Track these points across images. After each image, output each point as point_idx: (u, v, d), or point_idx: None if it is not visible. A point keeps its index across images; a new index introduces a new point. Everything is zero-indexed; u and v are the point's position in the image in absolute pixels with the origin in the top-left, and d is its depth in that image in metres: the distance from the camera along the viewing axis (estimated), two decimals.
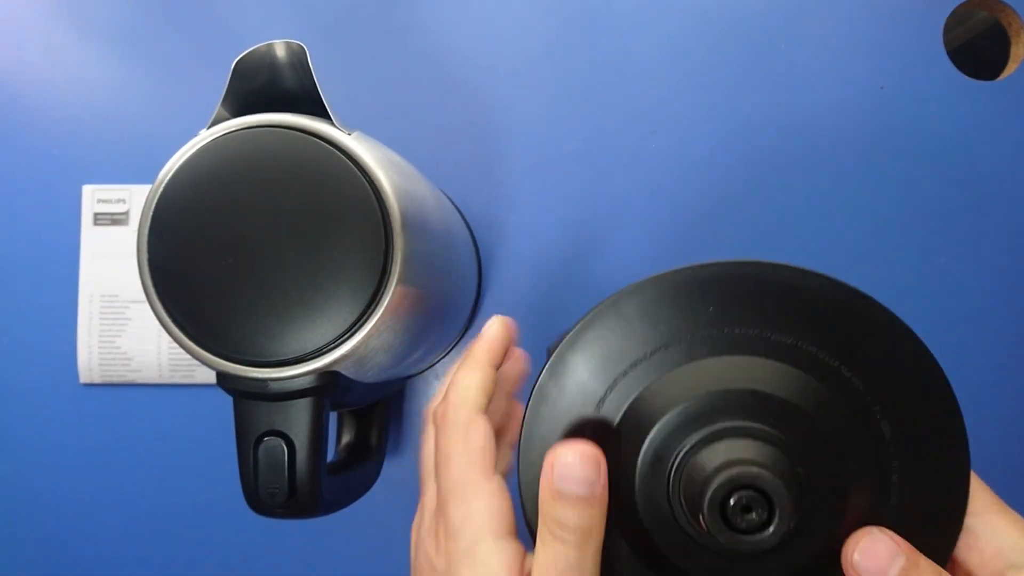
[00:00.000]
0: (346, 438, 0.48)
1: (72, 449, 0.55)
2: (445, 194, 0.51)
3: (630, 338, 0.26)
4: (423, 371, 0.55)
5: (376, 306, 0.34)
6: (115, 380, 0.54)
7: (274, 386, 0.34)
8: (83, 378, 0.54)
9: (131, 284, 0.54)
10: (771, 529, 0.22)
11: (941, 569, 0.24)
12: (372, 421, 0.49)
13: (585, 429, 0.26)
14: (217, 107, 0.36)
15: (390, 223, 0.34)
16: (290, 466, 0.35)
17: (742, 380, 0.25)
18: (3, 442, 0.55)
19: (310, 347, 0.33)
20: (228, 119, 0.35)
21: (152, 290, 0.34)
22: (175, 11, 0.57)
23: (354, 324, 0.33)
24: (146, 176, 0.41)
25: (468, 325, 0.55)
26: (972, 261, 0.54)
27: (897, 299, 0.57)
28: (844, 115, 0.55)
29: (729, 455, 0.23)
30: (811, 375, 0.25)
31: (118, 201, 0.55)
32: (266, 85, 0.36)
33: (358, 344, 0.34)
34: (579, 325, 0.27)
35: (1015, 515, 0.26)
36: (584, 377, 0.26)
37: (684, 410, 0.25)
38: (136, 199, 0.55)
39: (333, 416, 0.47)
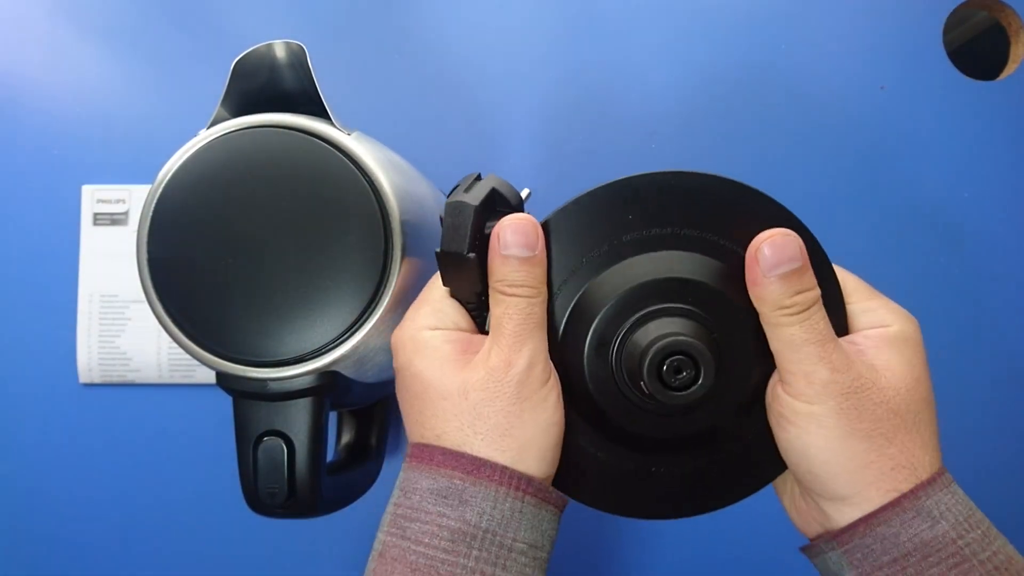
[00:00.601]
0: (346, 438, 0.48)
1: (72, 449, 0.54)
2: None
3: (566, 251, 0.31)
4: None
5: (376, 306, 0.34)
6: (115, 380, 0.54)
7: (274, 386, 0.34)
8: (83, 378, 0.54)
9: (131, 284, 0.54)
10: (699, 383, 0.28)
11: (816, 284, 0.29)
12: (372, 421, 0.49)
13: None
14: (217, 107, 0.36)
15: (390, 223, 0.34)
16: (290, 466, 0.35)
17: (662, 271, 0.30)
18: (3, 442, 0.55)
19: (310, 347, 0.33)
20: (228, 119, 0.35)
21: (152, 290, 0.34)
22: (175, 11, 0.57)
23: (354, 324, 0.33)
24: (146, 176, 0.41)
25: None
26: (972, 260, 0.54)
27: (897, 298, 0.57)
28: (844, 115, 0.55)
29: (659, 331, 0.29)
30: (714, 258, 0.30)
31: (118, 201, 0.55)
32: (266, 85, 0.36)
33: (358, 344, 0.34)
34: None
35: (892, 303, 0.31)
36: None
37: (617, 301, 0.30)
38: (136, 199, 0.55)
39: (333, 416, 0.47)
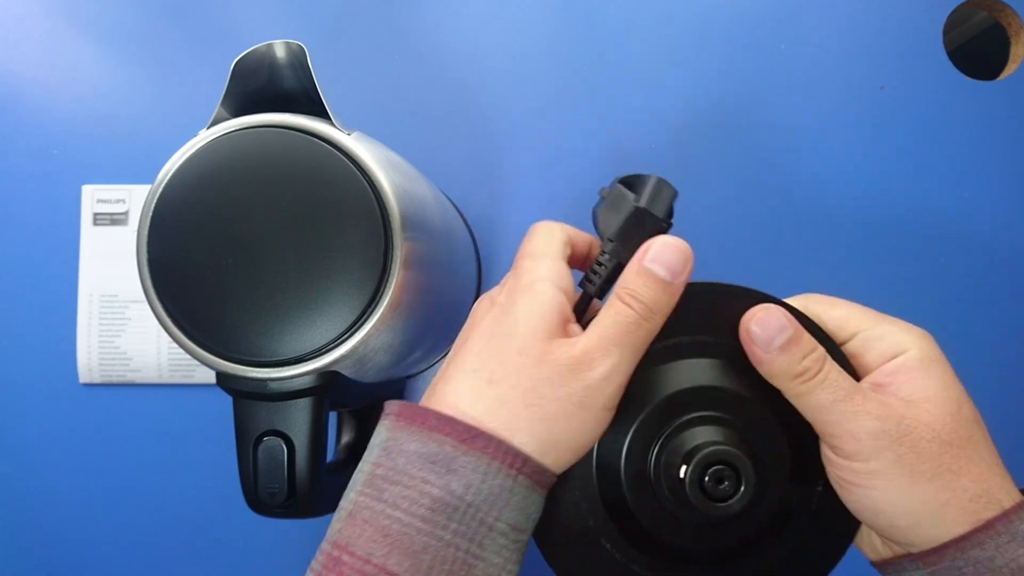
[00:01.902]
0: (346, 438, 0.48)
1: (72, 449, 0.54)
2: (445, 194, 0.51)
3: None
4: (423, 371, 0.55)
5: (376, 306, 0.34)
6: (115, 380, 0.54)
7: (274, 386, 0.34)
8: (83, 378, 0.54)
9: (131, 284, 0.54)
10: (739, 495, 0.28)
11: (818, 344, 0.29)
12: (372, 421, 0.49)
13: None
14: (217, 107, 0.36)
15: (390, 223, 0.34)
16: (290, 466, 0.35)
17: (701, 378, 0.30)
18: (3, 442, 0.55)
19: (310, 347, 0.33)
20: (228, 119, 0.35)
21: (152, 290, 0.34)
22: (175, 11, 0.57)
23: (354, 324, 0.33)
24: (146, 176, 0.41)
25: None
26: (971, 260, 0.54)
27: (897, 298, 0.57)
28: (844, 115, 0.55)
29: (701, 439, 0.29)
30: (718, 358, 0.30)
31: (118, 201, 0.55)
32: (266, 85, 0.36)
33: (358, 344, 0.34)
34: None
35: (900, 321, 0.31)
36: None
37: (660, 404, 0.30)
38: (136, 199, 0.55)
39: (333, 416, 0.47)
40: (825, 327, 0.30)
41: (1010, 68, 0.56)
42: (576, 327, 0.30)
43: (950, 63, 0.55)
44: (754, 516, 0.30)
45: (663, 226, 0.31)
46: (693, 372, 0.30)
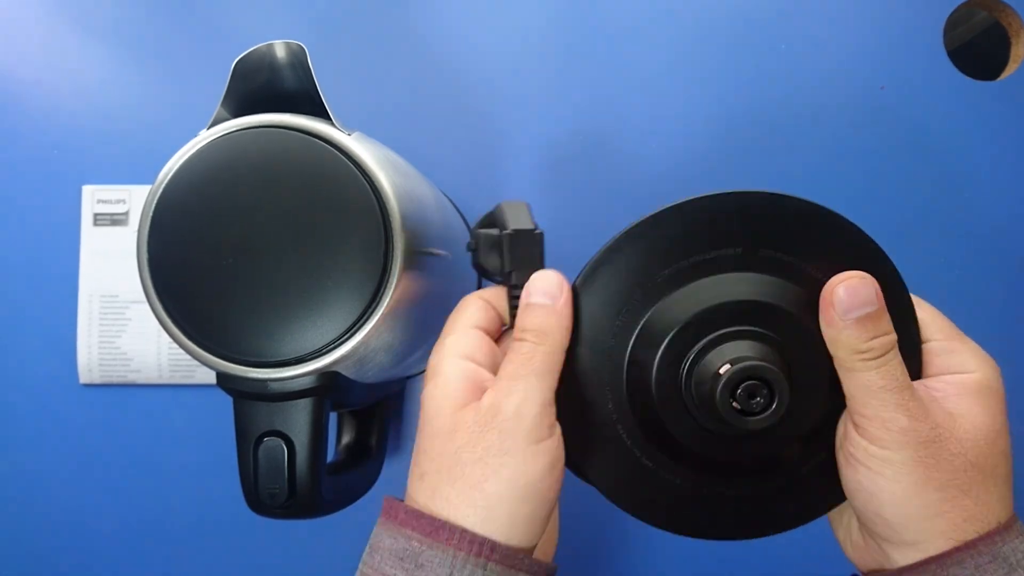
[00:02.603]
0: (346, 438, 0.48)
1: (72, 449, 0.54)
2: (445, 194, 0.51)
3: (634, 270, 0.31)
4: (423, 371, 0.55)
5: (376, 306, 0.34)
6: (115, 380, 0.54)
7: (274, 386, 0.34)
8: (83, 378, 0.54)
9: (131, 284, 0.54)
10: (772, 409, 0.27)
11: (893, 330, 0.28)
12: (372, 421, 0.49)
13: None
14: (217, 107, 0.36)
15: (390, 223, 0.34)
16: (290, 466, 0.35)
17: (735, 292, 0.30)
18: (3, 442, 0.55)
19: (310, 347, 0.33)
20: (228, 119, 0.35)
21: (152, 290, 0.34)
22: (175, 11, 0.57)
23: (354, 324, 0.33)
24: (146, 176, 0.41)
25: None
26: (972, 260, 0.54)
27: None
28: (844, 115, 0.55)
29: (735, 353, 0.28)
30: (788, 280, 0.30)
31: (118, 201, 0.55)
32: (266, 85, 0.36)
33: (358, 344, 0.34)
34: (590, 264, 0.31)
35: (976, 346, 0.31)
36: (601, 301, 0.31)
37: (690, 321, 0.30)
38: (136, 199, 0.55)
39: (333, 416, 0.47)
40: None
41: (1010, 68, 0.56)
42: (492, 379, 0.30)
43: (950, 63, 0.55)
44: (778, 438, 0.30)
45: (537, 233, 0.32)
46: (746, 285, 0.30)
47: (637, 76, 0.56)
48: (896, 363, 0.28)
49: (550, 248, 0.54)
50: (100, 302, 0.54)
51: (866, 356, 0.28)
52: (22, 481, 0.55)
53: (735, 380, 0.27)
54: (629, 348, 0.30)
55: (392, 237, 0.34)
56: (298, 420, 0.35)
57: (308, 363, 0.34)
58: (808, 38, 0.56)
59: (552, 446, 0.28)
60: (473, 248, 0.34)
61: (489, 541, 0.27)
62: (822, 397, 0.30)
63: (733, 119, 0.55)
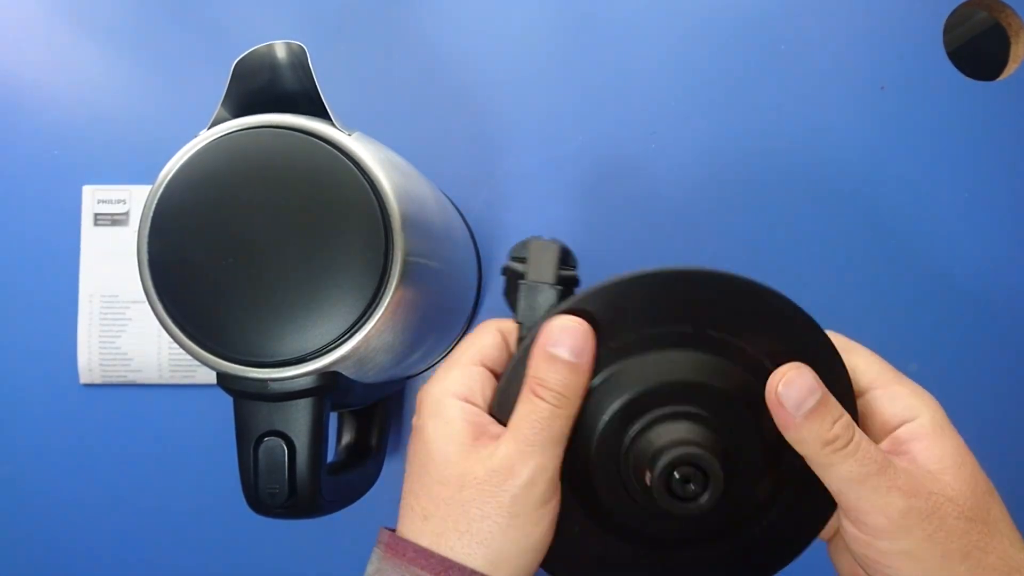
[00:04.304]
0: (346, 438, 0.48)
1: (72, 449, 0.54)
2: (445, 194, 0.51)
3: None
4: (423, 371, 0.55)
5: (376, 306, 0.34)
6: (115, 380, 0.54)
7: (274, 386, 0.34)
8: (83, 378, 0.54)
9: (131, 284, 0.54)
10: (706, 496, 0.27)
11: (844, 410, 0.27)
12: (372, 421, 0.49)
13: None
14: (217, 108, 0.36)
15: (390, 223, 0.34)
16: (290, 466, 0.35)
17: (676, 372, 0.29)
18: (3, 442, 0.55)
19: (310, 347, 0.33)
20: (228, 120, 0.35)
21: (152, 290, 0.34)
22: (175, 11, 0.57)
23: (354, 324, 0.33)
24: (146, 176, 0.41)
25: (468, 325, 0.55)
26: (972, 260, 0.54)
27: (896, 297, 0.57)
28: (844, 115, 0.55)
29: (670, 436, 0.28)
30: (720, 356, 0.30)
31: (118, 201, 0.55)
32: (266, 86, 0.36)
33: (358, 344, 0.34)
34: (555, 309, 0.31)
35: (911, 383, 0.30)
36: None
37: (631, 398, 0.29)
38: (136, 199, 0.55)
39: (333, 416, 0.47)
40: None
41: (1010, 68, 0.56)
42: (495, 427, 0.30)
43: (950, 63, 0.55)
44: (720, 512, 0.29)
45: (557, 289, 0.31)
46: (683, 364, 0.30)
47: (638, 77, 0.56)
48: (866, 443, 0.27)
49: None
50: (100, 302, 0.54)
51: (836, 445, 0.27)
52: (22, 481, 0.55)
53: (670, 465, 0.27)
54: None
55: (392, 237, 0.34)
56: (298, 420, 0.35)
57: (308, 363, 0.34)
58: (808, 38, 0.56)
59: (555, 505, 0.29)
60: (504, 274, 0.33)
61: None
62: (762, 478, 0.30)
63: (732, 120, 0.55)
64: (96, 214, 0.55)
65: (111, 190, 0.55)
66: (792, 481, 0.30)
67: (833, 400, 0.27)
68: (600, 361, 0.29)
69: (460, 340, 0.55)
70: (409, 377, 0.55)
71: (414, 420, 0.31)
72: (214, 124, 0.35)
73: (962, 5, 0.56)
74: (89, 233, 0.54)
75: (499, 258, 0.55)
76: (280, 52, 0.36)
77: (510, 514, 0.28)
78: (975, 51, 0.64)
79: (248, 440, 0.35)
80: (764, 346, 0.29)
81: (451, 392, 0.30)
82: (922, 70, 0.55)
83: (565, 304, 0.30)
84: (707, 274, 0.30)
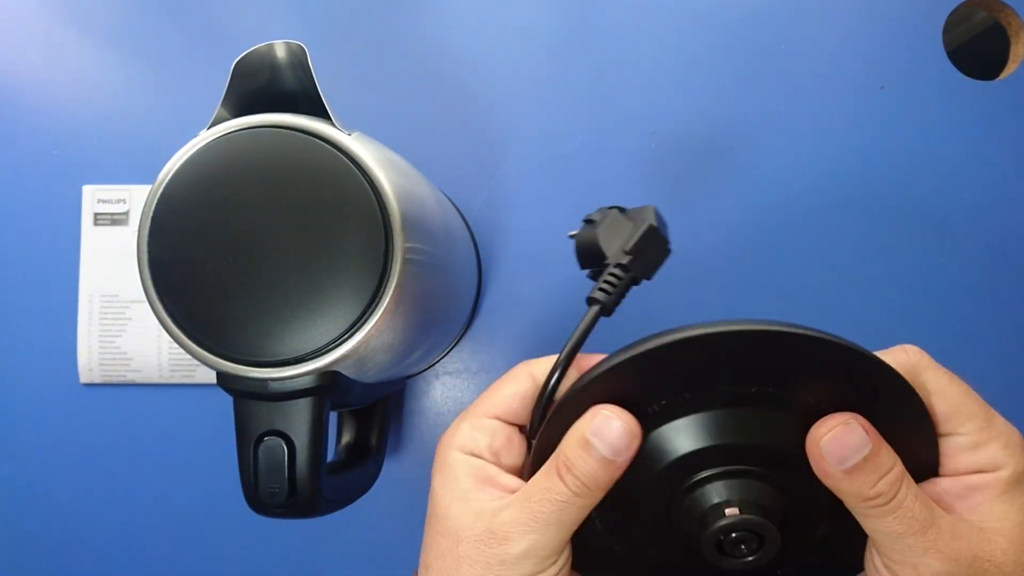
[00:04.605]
0: (346, 438, 0.48)
1: (72, 449, 0.55)
2: (445, 194, 0.51)
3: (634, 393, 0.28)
4: (423, 371, 0.55)
5: (376, 306, 0.34)
6: (115, 380, 0.54)
7: (274, 386, 0.34)
8: (83, 378, 0.54)
9: (131, 284, 0.54)
10: (759, 556, 0.26)
11: (897, 461, 0.25)
12: (372, 421, 0.49)
13: None
14: (217, 107, 0.36)
15: (390, 223, 0.34)
16: (290, 466, 0.35)
17: (729, 433, 0.27)
18: (3, 442, 0.55)
19: (310, 347, 0.33)
20: (228, 119, 0.35)
21: (152, 290, 0.34)
22: (175, 11, 0.57)
23: (354, 324, 0.33)
24: (146, 176, 0.41)
25: (468, 325, 0.55)
26: (972, 259, 0.54)
27: (896, 298, 0.57)
28: (844, 115, 0.55)
29: (727, 494, 0.26)
30: (780, 411, 0.27)
31: (118, 201, 0.55)
32: (266, 85, 0.36)
33: (358, 344, 0.34)
34: (587, 379, 0.28)
35: (1001, 423, 0.27)
36: None
37: (683, 455, 0.28)
38: (136, 199, 0.55)
39: (333, 416, 0.47)
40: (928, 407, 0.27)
41: (1010, 68, 0.56)
42: (506, 479, 0.29)
43: (950, 63, 0.55)
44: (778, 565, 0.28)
45: (669, 249, 0.31)
46: (733, 424, 0.28)
47: (638, 76, 0.56)
48: (911, 500, 0.25)
49: (547, 248, 0.55)
50: (100, 302, 0.54)
51: (877, 503, 0.25)
52: (22, 481, 0.55)
53: (722, 528, 0.26)
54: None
55: (392, 237, 0.34)
56: (298, 420, 0.35)
57: (308, 363, 0.34)
58: (808, 38, 0.56)
59: (553, 573, 0.28)
60: (592, 220, 0.32)
61: None
62: (820, 529, 0.28)
63: (732, 120, 0.55)
64: (96, 214, 0.55)
65: (111, 190, 0.55)
66: (842, 530, 0.28)
67: (884, 454, 0.25)
68: (647, 425, 0.28)
69: (460, 340, 0.55)
70: (409, 377, 0.55)
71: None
72: (214, 124, 0.35)
73: (962, 5, 0.56)
74: (89, 233, 0.54)
75: (499, 258, 0.55)
76: (280, 52, 0.36)
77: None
78: (975, 51, 0.64)
79: (248, 440, 0.35)
80: (826, 395, 0.27)
81: (456, 446, 0.29)
82: (922, 70, 0.55)
83: (607, 364, 0.28)
84: (761, 333, 0.26)
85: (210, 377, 0.35)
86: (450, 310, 0.48)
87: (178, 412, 0.54)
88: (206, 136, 0.35)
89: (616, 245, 0.31)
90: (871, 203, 0.55)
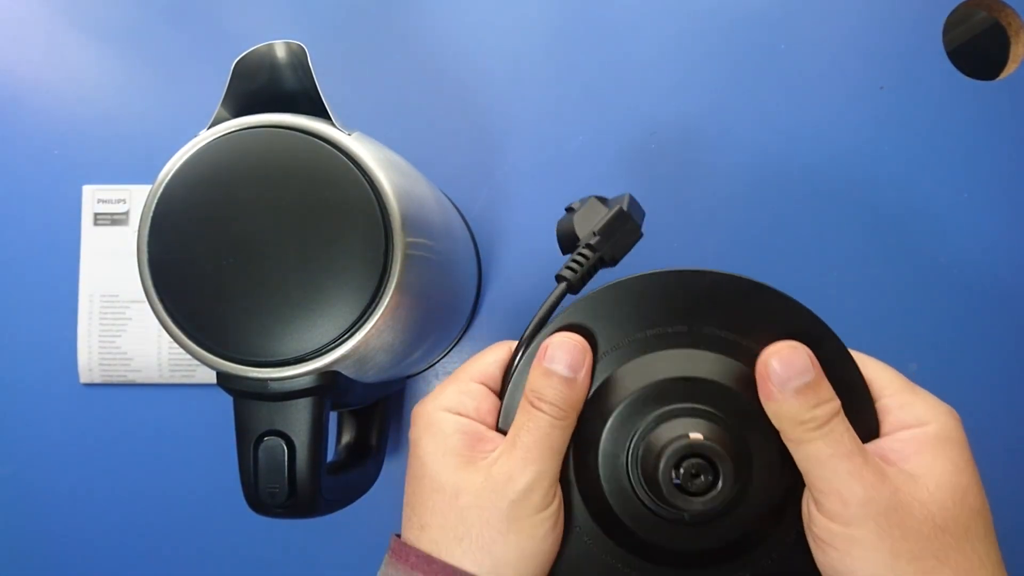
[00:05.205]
0: (346, 438, 0.48)
1: (72, 449, 0.55)
2: (445, 194, 0.51)
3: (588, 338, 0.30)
4: (423, 371, 0.55)
5: (376, 306, 0.34)
6: (115, 380, 0.54)
7: (274, 386, 0.34)
8: (83, 378, 0.54)
9: (131, 284, 0.54)
10: (716, 490, 0.26)
11: (835, 396, 0.28)
12: (372, 421, 0.49)
13: None
14: (217, 107, 0.36)
15: (390, 223, 0.34)
16: (290, 466, 0.35)
17: (678, 369, 0.29)
18: (3, 442, 0.55)
19: (310, 347, 0.33)
20: (228, 119, 0.35)
21: (152, 290, 0.34)
22: (175, 11, 0.57)
23: (354, 324, 0.33)
24: (146, 176, 0.41)
25: (468, 325, 0.55)
26: (972, 259, 0.54)
27: (897, 297, 0.57)
28: (843, 115, 0.55)
29: (677, 431, 0.27)
30: (733, 358, 0.29)
31: (118, 201, 0.55)
32: (266, 85, 0.36)
33: (358, 344, 0.34)
34: (551, 325, 0.31)
35: (931, 397, 0.29)
36: None
37: (633, 400, 0.29)
38: (136, 199, 0.55)
39: (333, 416, 0.47)
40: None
41: (1010, 68, 0.56)
42: (492, 435, 0.30)
43: (950, 63, 0.55)
44: (737, 521, 0.29)
45: (639, 232, 0.33)
46: (691, 362, 0.30)
47: (637, 76, 0.56)
48: (842, 429, 0.27)
49: (546, 245, 0.55)
50: (100, 302, 0.54)
51: (810, 426, 0.27)
52: (22, 481, 0.55)
53: (677, 457, 0.26)
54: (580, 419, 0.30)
55: (392, 237, 0.34)
56: (298, 420, 0.35)
57: (308, 363, 0.34)
58: (808, 38, 0.56)
59: (555, 510, 0.29)
60: (572, 208, 0.35)
61: None
62: (774, 477, 0.29)
63: (732, 120, 0.55)
64: (96, 214, 0.55)
65: (111, 190, 0.55)
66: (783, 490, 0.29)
67: (825, 387, 0.27)
68: (598, 369, 0.30)
69: (460, 340, 0.55)
70: (409, 377, 0.55)
71: (410, 435, 0.32)
72: (214, 124, 0.36)
73: (962, 5, 0.56)
74: (89, 233, 0.54)
75: (499, 258, 0.55)
76: (280, 52, 0.36)
77: (509, 519, 0.28)
78: (975, 51, 0.64)
79: (248, 440, 0.35)
80: (765, 342, 0.29)
81: (443, 407, 0.31)
82: (921, 69, 0.55)
83: (561, 319, 0.30)
84: (702, 273, 0.30)
85: (210, 377, 0.35)
86: (450, 310, 0.48)
87: (178, 412, 0.54)
88: (206, 136, 0.35)
89: (588, 228, 0.33)
90: (871, 203, 0.55)
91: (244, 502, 0.36)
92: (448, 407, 0.30)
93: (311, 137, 0.34)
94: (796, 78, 0.56)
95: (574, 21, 0.57)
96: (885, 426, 0.29)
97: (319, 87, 0.35)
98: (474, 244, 0.55)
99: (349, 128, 0.36)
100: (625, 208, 0.32)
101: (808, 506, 0.28)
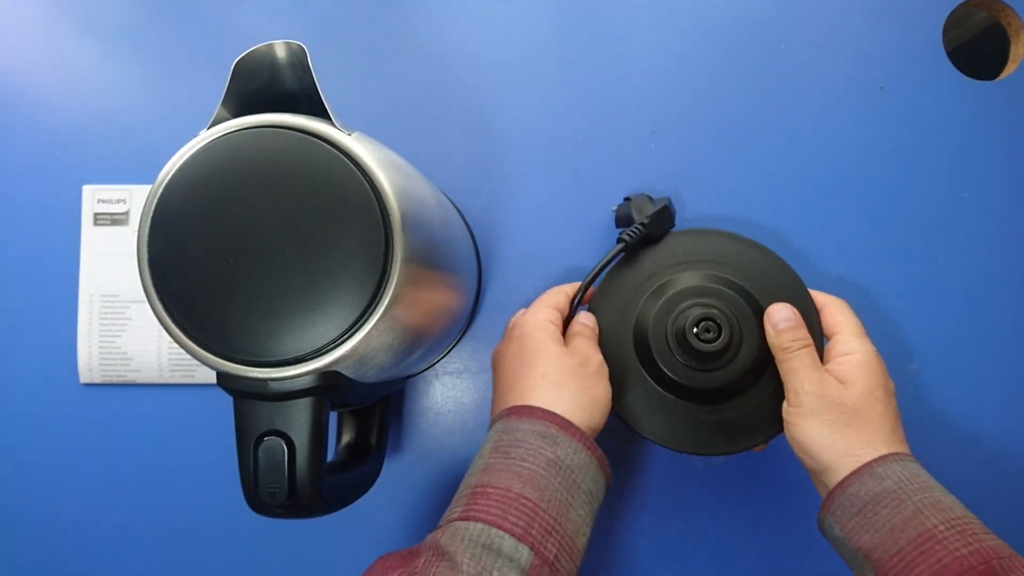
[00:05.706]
0: (346, 438, 0.48)
1: (72, 449, 0.55)
2: (445, 194, 0.51)
3: (642, 270, 0.49)
4: (423, 371, 0.55)
5: (376, 306, 0.34)
6: (115, 380, 0.54)
7: (274, 386, 0.34)
8: (83, 378, 0.54)
9: (131, 284, 0.54)
10: (719, 340, 0.44)
11: (807, 334, 0.44)
12: (372, 421, 0.49)
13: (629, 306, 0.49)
14: (217, 107, 0.36)
15: (390, 223, 0.34)
16: (290, 466, 0.35)
17: (705, 280, 0.47)
18: (3, 442, 0.55)
19: (310, 347, 0.33)
20: (228, 119, 0.35)
21: (152, 290, 0.34)
22: (175, 11, 0.57)
23: (354, 324, 0.33)
24: (146, 176, 0.41)
25: (468, 325, 0.55)
26: (971, 259, 0.54)
27: (897, 297, 0.57)
28: (844, 115, 0.55)
29: (699, 312, 0.45)
30: (728, 287, 0.46)
31: (118, 201, 0.55)
32: (266, 85, 0.36)
33: (358, 344, 0.34)
34: (605, 264, 0.48)
35: (863, 335, 0.45)
36: (623, 290, 0.49)
37: (675, 293, 0.47)
38: (136, 199, 0.55)
39: (333, 416, 0.47)
40: (824, 323, 0.46)
41: (1010, 68, 0.56)
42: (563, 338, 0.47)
43: (950, 63, 0.55)
44: (730, 371, 0.45)
45: (673, 222, 0.50)
46: (711, 277, 0.47)
47: (638, 77, 0.56)
48: (807, 353, 0.43)
49: (546, 245, 0.55)
50: (100, 302, 0.54)
51: (788, 350, 0.43)
52: (23, 481, 0.55)
53: (696, 318, 0.44)
54: (637, 312, 0.48)
55: (392, 237, 0.34)
56: (298, 420, 0.35)
57: (308, 363, 0.34)
58: (808, 38, 0.56)
59: (607, 374, 0.45)
60: (629, 199, 0.51)
61: (594, 442, 0.41)
62: (754, 350, 0.45)
63: (732, 119, 0.55)
64: (96, 214, 0.55)
65: (111, 190, 0.55)
66: (776, 379, 0.45)
67: (802, 330, 0.44)
68: (657, 277, 0.48)
69: (460, 340, 0.55)
70: (409, 377, 0.55)
71: (509, 334, 0.46)
72: (214, 124, 0.36)
73: (962, 5, 0.56)
74: (89, 233, 0.54)
75: (499, 258, 0.55)
76: (280, 52, 0.36)
77: (592, 382, 0.44)
78: (975, 51, 0.64)
79: (248, 440, 0.35)
80: (761, 288, 0.47)
81: (544, 317, 0.46)
82: (922, 70, 0.55)
83: (609, 267, 0.49)
84: (728, 234, 0.49)
85: (210, 377, 0.35)
86: (450, 309, 0.48)
87: (178, 412, 0.54)
88: (206, 136, 0.35)
89: (641, 214, 0.49)
90: (870, 202, 0.55)
91: (244, 502, 0.36)
92: (547, 317, 0.46)
93: (311, 137, 0.34)
94: (797, 78, 0.56)
95: (574, 21, 0.57)
96: (834, 351, 0.44)
97: (319, 87, 0.35)
98: (474, 244, 0.55)
99: (349, 128, 0.36)
100: (667, 204, 0.49)
101: (784, 405, 0.44)
